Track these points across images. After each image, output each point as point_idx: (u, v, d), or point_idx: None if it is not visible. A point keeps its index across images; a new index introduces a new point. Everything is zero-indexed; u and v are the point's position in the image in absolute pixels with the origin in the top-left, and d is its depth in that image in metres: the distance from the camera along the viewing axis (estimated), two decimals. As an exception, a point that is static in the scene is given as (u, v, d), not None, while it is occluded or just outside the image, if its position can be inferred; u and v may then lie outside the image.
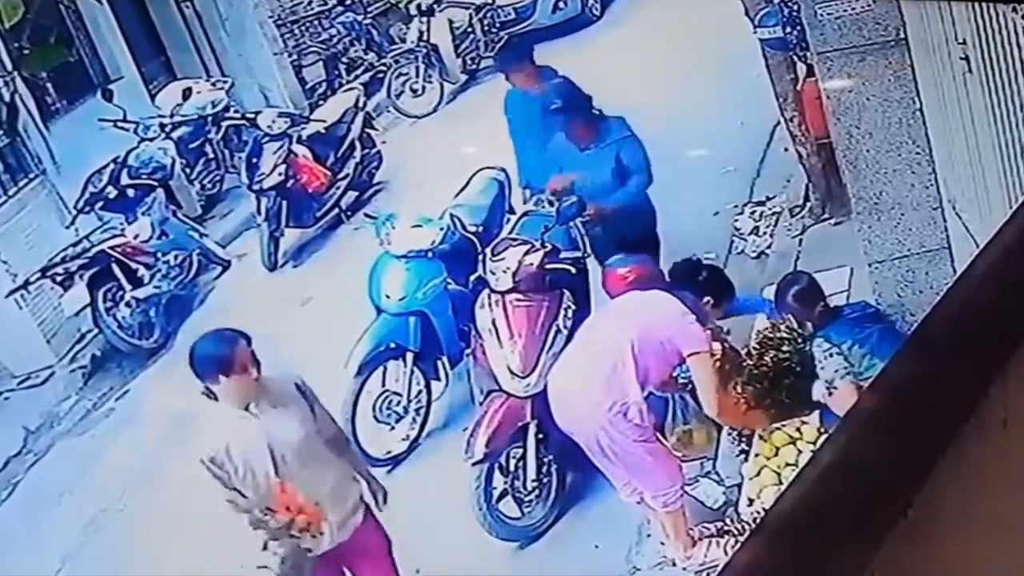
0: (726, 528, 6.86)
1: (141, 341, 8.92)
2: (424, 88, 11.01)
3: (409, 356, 7.74)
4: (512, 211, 8.19)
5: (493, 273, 7.43)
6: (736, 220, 9.02)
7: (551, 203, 7.96)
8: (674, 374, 6.70)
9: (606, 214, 7.93)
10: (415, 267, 7.85)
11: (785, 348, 7.00)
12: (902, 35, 7.13)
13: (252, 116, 10.08)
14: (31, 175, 9.26)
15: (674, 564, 6.82)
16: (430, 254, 7.88)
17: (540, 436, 7.14)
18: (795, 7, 7.94)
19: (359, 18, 11.77)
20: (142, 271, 8.99)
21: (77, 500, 7.74)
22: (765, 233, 8.86)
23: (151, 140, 9.64)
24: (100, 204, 9.15)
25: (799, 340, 6.97)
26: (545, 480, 7.22)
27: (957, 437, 2.13)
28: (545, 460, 7.21)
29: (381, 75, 11.18)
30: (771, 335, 7.12)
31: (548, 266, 7.46)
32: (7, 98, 8.60)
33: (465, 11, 11.44)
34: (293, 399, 6.05)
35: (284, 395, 6.03)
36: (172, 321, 9.05)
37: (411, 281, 7.81)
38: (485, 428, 7.00)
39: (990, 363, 2.25)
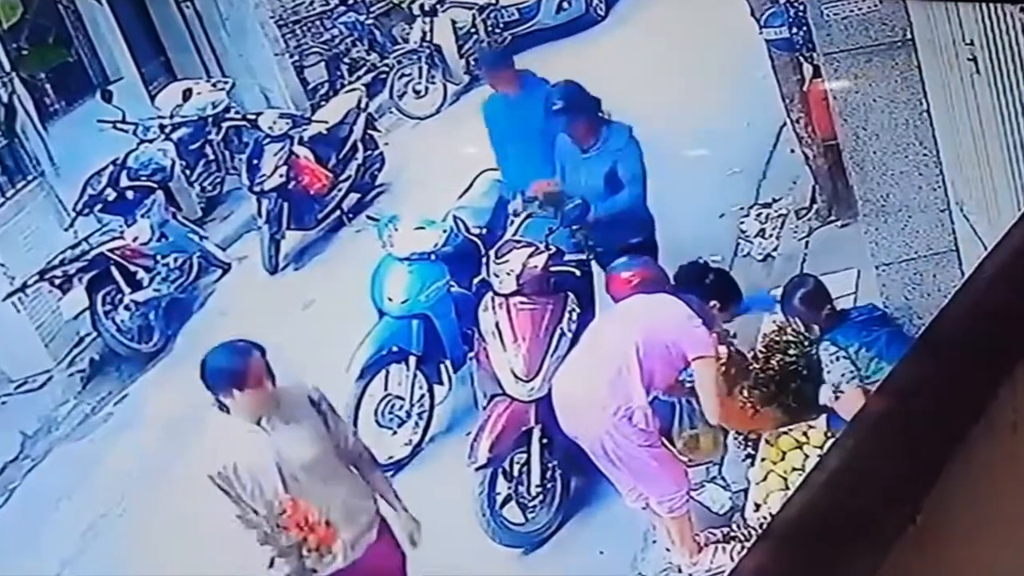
0: (732, 534, 6.82)
1: (140, 345, 8.89)
2: (427, 89, 11.00)
3: (412, 360, 7.70)
4: (516, 213, 8.14)
5: (497, 276, 7.38)
6: (742, 222, 8.99)
7: (541, 207, 7.94)
8: (680, 378, 6.65)
9: (595, 221, 7.87)
10: (418, 270, 7.81)
11: (792, 351, 6.99)
12: (909, 36, 7.10)
13: (253, 117, 10.06)
14: (29, 177, 9.24)
15: (680, 570, 6.77)
16: (433, 256, 7.84)
17: (544, 441, 7.08)
18: (801, 8, 7.92)
19: (361, 18, 11.75)
20: (141, 274, 8.97)
21: (75, 506, 7.69)
22: (771, 235, 8.84)
23: (151, 141, 9.62)
24: (99, 206, 9.13)
25: (806, 343, 6.96)
26: (549, 485, 7.16)
27: (966, 441, 2.11)
28: (549, 465, 7.15)
29: (383, 76, 11.17)
30: (778, 338, 7.11)
31: (552, 269, 7.41)
32: (5, 99, 8.58)
33: (468, 11, 11.42)
34: (306, 413, 5.86)
35: (297, 409, 5.86)
36: (172, 324, 9.02)
37: (414, 284, 7.77)
38: (488, 433, 6.94)
39: (999, 366, 2.22)
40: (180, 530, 6.96)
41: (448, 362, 7.84)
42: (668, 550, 6.82)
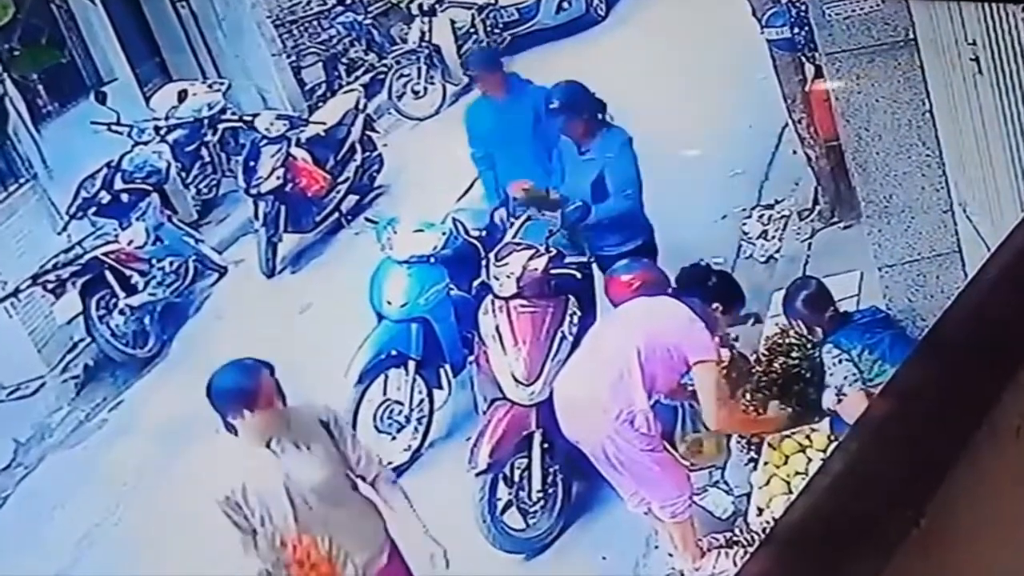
0: (735, 539, 6.81)
1: (135, 350, 8.84)
2: (426, 90, 10.96)
3: (411, 364, 7.66)
4: (514, 215, 8.11)
5: (497, 278, 7.36)
6: (744, 224, 8.96)
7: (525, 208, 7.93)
8: (682, 381, 6.62)
9: (591, 224, 7.85)
10: (417, 272, 7.76)
11: (794, 354, 7.00)
12: (911, 36, 7.10)
13: (249, 118, 10.01)
14: (22, 180, 9.18)
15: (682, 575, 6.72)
16: (432, 259, 7.80)
17: (545, 445, 7.05)
18: (803, 7, 7.91)
19: (359, 18, 11.70)
20: (136, 278, 8.92)
21: (69, 514, 7.63)
22: (774, 237, 8.81)
23: (145, 143, 9.57)
24: (93, 209, 9.07)
25: (809, 346, 6.96)
26: (551, 490, 7.13)
27: (970, 445, 2.11)
28: (551, 470, 7.12)
29: (382, 76, 11.13)
30: (780, 341, 7.12)
31: (553, 271, 7.39)
32: (-3, 101, 8.55)
33: (467, 11, 11.39)
34: (317, 434, 5.71)
35: (308, 430, 5.70)
36: (167, 329, 8.98)
37: (413, 287, 7.73)
38: (489, 438, 6.91)
39: (1003, 368, 2.23)
40: (176, 539, 6.93)
41: (448, 366, 7.78)
42: (671, 555, 6.80)
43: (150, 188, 9.33)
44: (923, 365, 2.45)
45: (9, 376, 8.50)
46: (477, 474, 6.86)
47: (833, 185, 8.68)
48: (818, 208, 8.89)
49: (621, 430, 6.43)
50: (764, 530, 6.53)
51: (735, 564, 6.60)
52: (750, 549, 6.66)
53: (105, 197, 9.09)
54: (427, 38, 11.11)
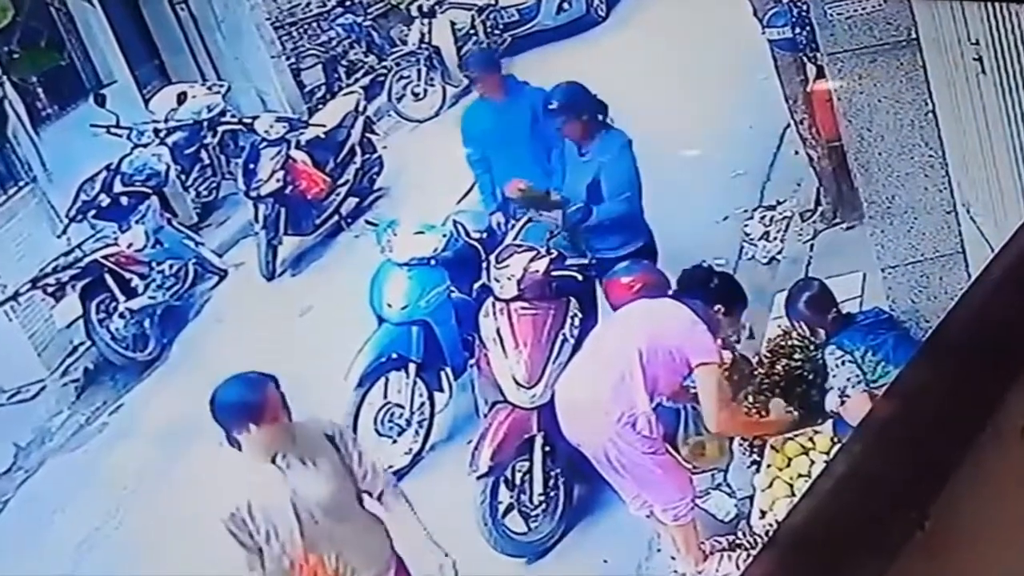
0: (738, 542, 6.80)
1: (135, 353, 8.81)
2: (426, 91, 10.93)
3: (412, 367, 7.64)
4: (515, 217, 8.10)
5: (497, 280, 7.34)
6: (746, 225, 8.94)
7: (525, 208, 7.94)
8: (685, 384, 6.61)
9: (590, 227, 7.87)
10: (417, 275, 7.75)
11: (797, 356, 7.01)
12: (914, 35, 7.10)
13: (249, 121, 9.98)
14: (21, 183, 9.15)
15: (685, 579, 6.72)
16: (433, 261, 7.78)
17: (547, 448, 7.04)
18: (804, 7, 7.89)
19: (359, 20, 11.67)
20: (136, 281, 8.89)
21: (70, 518, 7.60)
22: (776, 238, 8.80)
23: (145, 146, 9.54)
24: (92, 212, 9.04)
25: (811, 348, 6.95)
26: (552, 494, 7.12)
27: (974, 446, 2.10)
28: (552, 473, 7.11)
29: (382, 78, 11.10)
30: (783, 343, 7.13)
31: (554, 273, 7.37)
32: (-4, 104, 8.53)
33: (467, 12, 11.36)
34: (323, 449, 5.62)
35: (314, 445, 5.61)
36: (167, 332, 8.95)
37: (413, 289, 7.71)
38: (490, 441, 6.90)
39: (1007, 370, 2.23)
40: (177, 543, 6.90)
41: (448, 369, 7.76)
42: (673, 558, 6.80)
43: (150, 191, 9.30)
44: (926, 367, 2.45)
45: (9, 380, 8.47)
46: (478, 477, 6.85)
47: (835, 186, 8.67)
48: (820, 209, 8.88)
49: (623, 433, 6.43)
50: (767, 533, 6.52)
51: (738, 567, 6.60)
52: (753, 552, 6.65)
53: (105, 200, 9.06)
54: (427, 40, 11.08)
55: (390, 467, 7.47)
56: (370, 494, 5.81)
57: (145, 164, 9.43)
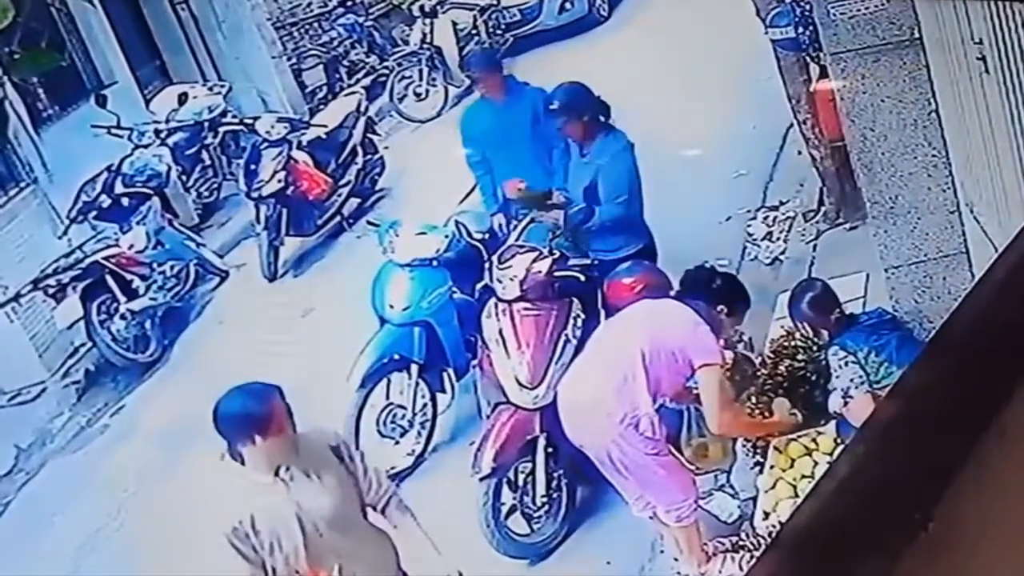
0: (741, 543, 6.80)
1: (136, 355, 8.79)
2: (428, 92, 10.91)
3: (414, 368, 7.62)
4: (516, 219, 8.09)
5: (500, 281, 7.33)
6: (749, 225, 8.92)
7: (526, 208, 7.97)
8: (688, 385, 6.60)
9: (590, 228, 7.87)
10: (419, 276, 7.73)
11: (800, 357, 7.01)
12: (917, 35, 7.09)
13: (250, 121, 9.95)
14: (22, 184, 9.13)
15: (688, 580, 6.70)
16: (435, 262, 7.77)
17: (549, 450, 7.03)
18: (807, 7, 7.87)
19: (360, 20, 11.66)
20: (137, 282, 8.87)
21: (71, 520, 7.58)
22: (779, 239, 8.78)
23: (146, 147, 9.51)
24: (93, 213, 9.02)
25: (814, 348, 6.95)
26: (555, 495, 7.11)
27: (977, 446, 2.09)
28: (555, 474, 7.10)
29: (383, 78, 11.08)
30: (786, 343, 7.13)
31: (556, 273, 7.37)
32: (-3, 104, 8.51)
33: (469, 12, 11.34)
34: (327, 461, 5.53)
35: (318, 457, 5.51)
36: (168, 334, 8.92)
37: (415, 290, 7.70)
38: (493, 442, 6.90)
39: (1011, 370, 2.21)
40: (178, 545, 6.87)
41: (451, 370, 7.74)
42: (676, 560, 6.81)
43: (151, 192, 9.28)
44: (930, 367, 2.45)
45: (10, 381, 8.45)
46: (481, 479, 6.85)
47: (838, 186, 8.65)
48: (823, 209, 8.86)
49: (626, 434, 6.43)
50: (770, 534, 6.52)
51: (741, 569, 6.59)
52: (756, 553, 6.65)
53: (106, 201, 9.04)
54: (429, 40, 11.06)
55: (392, 468, 7.49)
56: (374, 507, 5.74)
57: (146, 165, 9.41)
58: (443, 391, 7.77)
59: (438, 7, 11.18)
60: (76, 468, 8.05)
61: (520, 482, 7.06)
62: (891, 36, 7.10)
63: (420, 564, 5.89)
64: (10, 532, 7.63)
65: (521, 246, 7.55)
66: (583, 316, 7.25)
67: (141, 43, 10.58)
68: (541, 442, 7.01)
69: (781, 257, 8.66)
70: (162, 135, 9.72)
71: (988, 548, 2.17)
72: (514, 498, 7.05)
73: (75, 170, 9.06)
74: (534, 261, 7.34)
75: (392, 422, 7.58)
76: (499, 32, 11.40)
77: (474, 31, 11.31)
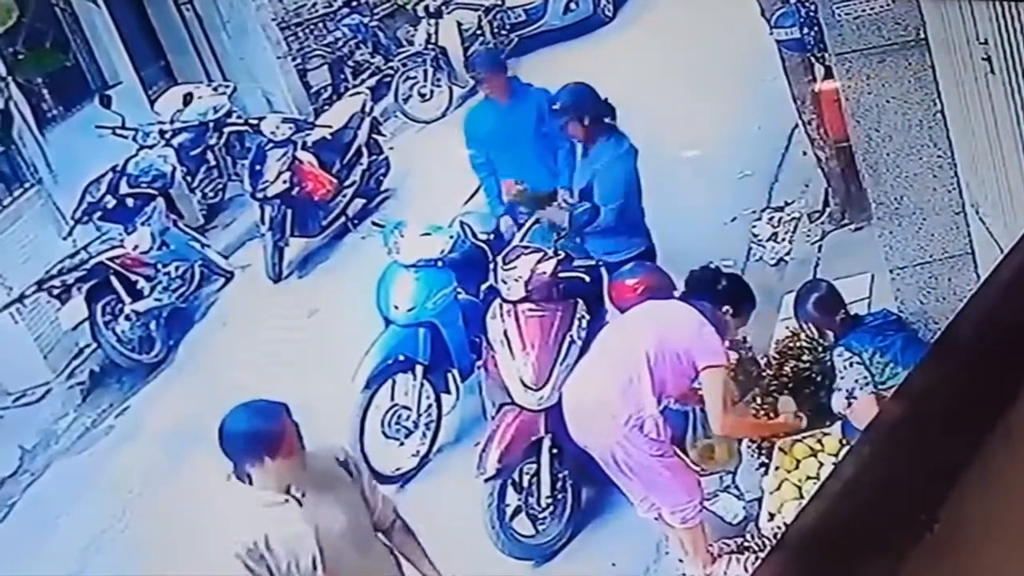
0: (746, 544, 6.78)
1: (141, 356, 8.81)
2: (432, 92, 10.93)
3: (419, 369, 7.61)
4: (520, 222, 8.09)
5: (505, 282, 7.31)
6: (754, 226, 8.93)
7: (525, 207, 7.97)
8: (693, 386, 6.58)
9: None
10: (424, 277, 7.72)
11: (805, 358, 7.00)
12: (922, 35, 7.06)
13: (255, 122, 9.97)
14: (26, 184, 9.15)
15: (693, 582, 6.70)
16: (440, 263, 7.76)
17: (554, 451, 7.01)
18: (812, 7, 7.86)
19: (365, 20, 11.67)
20: (142, 283, 8.90)
21: (76, 521, 7.61)
22: (784, 239, 8.79)
23: (151, 147, 9.53)
24: (98, 214, 9.05)
25: (820, 349, 6.92)
26: (560, 496, 7.09)
27: (983, 448, 2.08)
28: (560, 476, 7.08)
29: (388, 79, 11.10)
30: (791, 344, 7.12)
31: (561, 274, 7.34)
32: (1, 105, 8.50)
33: (474, 13, 11.35)
34: (337, 476, 5.38)
35: (327, 473, 5.36)
36: (173, 335, 8.94)
37: (420, 291, 7.69)
38: (498, 443, 6.87)
39: (1017, 371, 2.20)
40: (183, 545, 6.89)
41: (456, 371, 7.74)
42: (681, 561, 6.78)
43: (155, 192, 9.30)
44: (935, 368, 2.44)
45: (15, 382, 8.48)
46: (486, 480, 6.81)
47: (843, 186, 8.65)
48: (828, 210, 8.86)
49: (630, 435, 6.40)
50: (775, 535, 6.51)
51: (746, 570, 6.58)
52: (761, 555, 6.63)
53: (110, 202, 9.06)
54: (433, 40, 11.07)
55: (397, 469, 7.49)
56: (379, 528, 5.65)
57: (151, 165, 9.43)
58: (448, 392, 7.78)
59: (443, 7, 11.20)
60: (81, 469, 8.07)
61: (525, 483, 7.05)
62: (896, 37, 7.08)
63: None
64: (15, 533, 7.65)
65: (526, 247, 7.53)
66: (588, 317, 7.23)
67: (145, 43, 10.59)
68: (546, 443, 6.99)
69: (786, 258, 8.67)
70: (167, 136, 9.74)
71: (993, 549, 2.17)
72: (519, 499, 7.03)
73: (80, 171, 9.08)
74: (539, 262, 7.33)
75: (397, 423, 7.58)
76: (504, 32, 11.41)
77: (479, 31, 11.31)
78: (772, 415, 6.91)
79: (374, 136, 10.22)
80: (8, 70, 8.31)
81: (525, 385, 7.01)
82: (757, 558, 6.61)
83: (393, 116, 10.87)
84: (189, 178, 9.90)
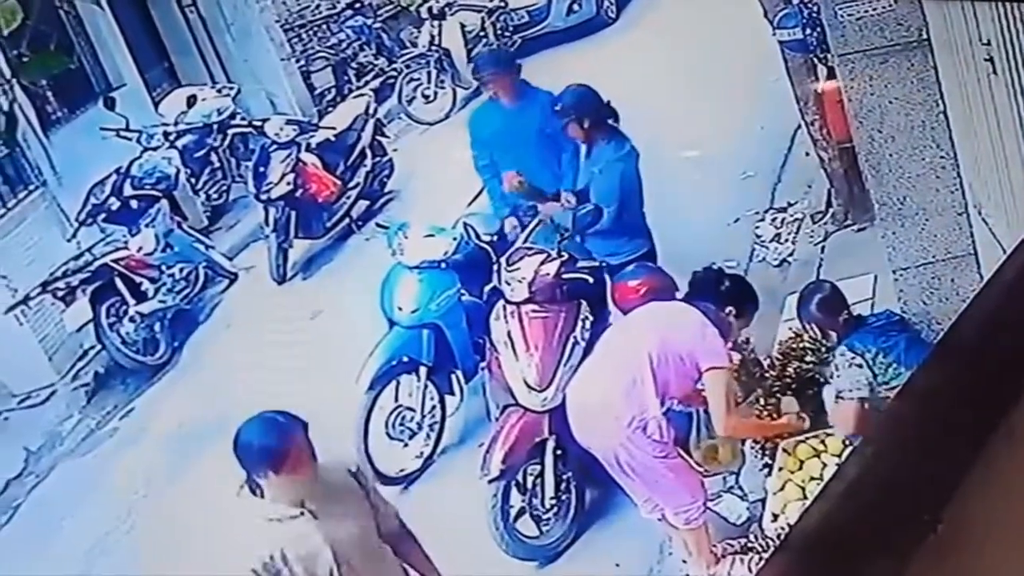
0: (750, 545, 6.76)
1: (145, 357, 8.81)
2: (436, 94, 10.93)
3: (422, 370, 7.61)
4: (523, 224, 8.08)
5: (508, 283, 7.31)
6: (757, 227, 8.93)
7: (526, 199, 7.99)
8: (697, 387, 6.58)
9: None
10: (428, 278, 7.72)
11: (808, 359, 6.98)
12: (925, 36, 7.05)
13: (259, 124, 9.97)
14: (31, 186, 9.17)
15: (697, 582, 6.70)
16: (443, 264, 7.75)
17: (558, 452, 7.00)
18: (815, 8, 7.87)
19: (369, 22, 11.68)
20: (146, 285, 8.90)
21: (80, 523, 7.62)
22: (787, 240, 8.78)
23: (155, 149, 9.55)
24: (102, 216, 9.05)
25: (823, 350, 6.90)
26: (564, 497, 7.08)
27: (986, 448, 2.08)
28: (564, 477, 7.07)
29: (392, 80, 11.11)
30: (794, 345, 7.09)
31: (565, 276, 7.33)
32: (6, 107, 8.49)
33: (477, 14, 11.35)
34: (349, 489, 5.35)
35: (339, 486, 5.33)
36: (177, 336, 8.95)
37: (424, 292, 7.68)
38: (501, 444, 6.85)
39: (1019, 371, 2.20)
40: (187, 547, 6.88)
41: (459, 372, 7.73)
42: (685, 562, 6.76)
43: (159, 194, 9.31)
44: (938, 369, 2.44)
45: (20, 384, 8.49)
46: (490, 481, 6.80)
47: (846, 187, 8.64)
48: (831, 211, 8.86)
49: (634, 437, 6.39)
50: (779, 536, 6.48)
51: (750, 570, 6.56)
52: (765, 555, 6.62)
53: (115, 203, 9.07)
54: (437, 42, 11.07)
55: (401, 470, 7.49)
56: (385, 539, 5.62)
57: (155, 167, 9.43)
58: (452, 393, 7.77)
59: (446, 9, 11.20)
60: (86, 471, 8.07)
61: (529, 484, 7.04)
62: (899, 37, 7.07)
63: None
64: (20, 534, 7.65)
65: (529, 248, 7.52)
66: (591, 318, 7.22)
67: (150, 45, 10.60)
68: (550, 444, 6.98)
69: (789, 259, 8.67)
70: (171, 137, 9.74)
71: (997, 549, 2.17)
72: (523, 500, 7.02)
73: (84, 173, 9.09)
74: (542, 263, 7.32)
75: (401, 424, 7.57)
76: (507, 34, 11.41)
77: (482, 33, 11.32)
78: (775, 416, 6.89)
79: (378, 138, 10.22)
80: (13, 72, 8.30)
81: (529, 386, 7.00)
82: (761, 559, 6.59)
83: (397, 118, 10.88)
84: (193, 180, 9.90)
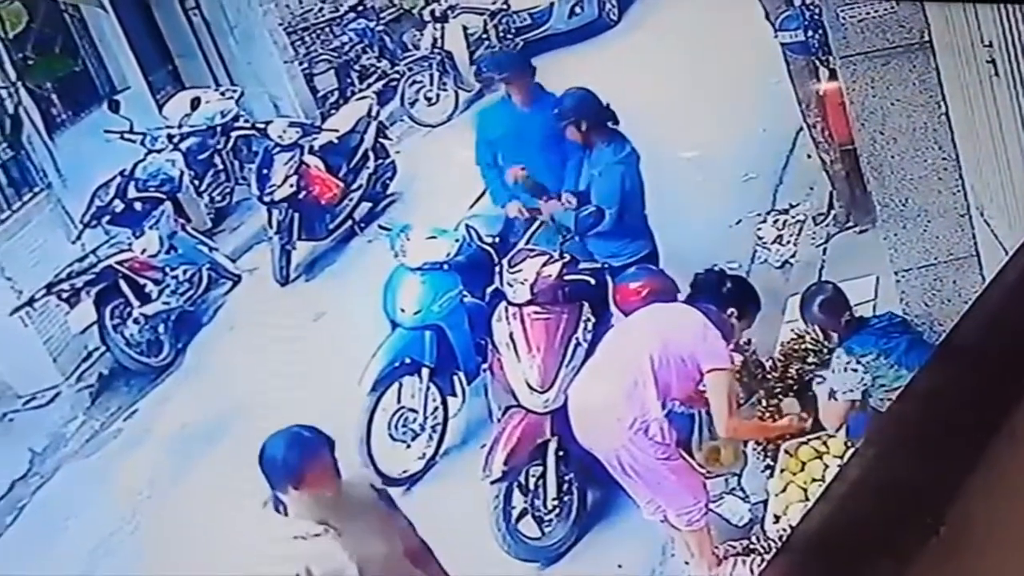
0: (752, 546, 6.78)
1: (150, 359, 8.79)
2: (438, 96, 10.91)
3: (425, 372, 7.60)
4: (529, 222, 8.09)
5: (510, 285, 7.33)
6: (759, 229, 8.91)
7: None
8: (700, 389, 6.60)
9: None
10: (430, 280, 7.72)
11: (810, 360, 7.01)
12: (927, 38, 7.08)
13: (262, 126, 9.94)
14: (36, 189, 9.12)
15: (699, 584, 6.71)
16: (446, 266, 7.75)
17: (560, 453, 7.02)
18: (817, 10, 7.88)
19: (371, 25, 11.65)
20: (150, 287, 8.87)
21: (85, 524, 7.58)
22: (789, 242, 8.77)
23: (159, 152, 9.51)
24: (107, 218, 9.01)
25: (825, 351, 6.94)
26: (566, 498, 7.10)
27: (988, 449, 2.10)
28: (566, 478, 7.08)
29: (394, 83, 11.08)
30: (796, 347, 7.12)
31: (567, 277, 7.35)
32: (11, 110, 8.49)
33: (480, 17, 11.33)
34: (372, 505, 5.41)
35: (362, 502, 5.38)
36: (181, 338, 8.91)
37: (427, 294, 7.69)
38: (503, 445, 6.88)
39: (1020, 373, 2.22)
40: (193, 549, 6.89)
41: (461, 374, 7.73)
42: (687, 563, 6.80)
43: (163, 196, 9.27)
44: (940, 370, 2.46)
45: (24, 385, 8.46)
46: (492, 482, 6.83)
47: (848, 189, 8.64)
48: (833, 212, 8.84)
49: (635, 439, 6.42)
50: (781, 538, 6.52)
51: (752, 572, 6.59)
52: (767, 557, 6.63)
53: (119, 206, 9.04)
54: (439, 44, 11.06)
55: (404, 472, 7.50)
56: (404, 553, 5.59)
57: (159, 170, 9.41)
58: (454, 395, 7.76)
59: (448, 12, 11.17)
60: (90, 472, 8.05)
61: (531, 486, 7.05)
62: (901, 39, 7.09)
63: None
64: (24, 536, 7.63)
65: (531, 249, 7.54)
66: (593, 319, 7.24)
67: (153, 48, 10.58)
68: (552, 446, 7.00)
69: (791, 260, 8.65)
70: (175, 140, 9.72)
71: (999, 551, 2.18)
72: (525, 501, 7.04)
73: (88, 175, 9.06)
74: (544, 265, 7.34)
75: (403, 426, 7.57)
76: (509, 36, 11.40)
77: (484, 35, 11.31)
78: (777, 417, 6.92)
79: (380, 140, 10.20)
80: (18, 75, 8.30)
81: (531, 388, 7.03)
82: (763, 560, 6.60)
83: (399, 120, 10.85)
84: (197, 182, 9.88)
